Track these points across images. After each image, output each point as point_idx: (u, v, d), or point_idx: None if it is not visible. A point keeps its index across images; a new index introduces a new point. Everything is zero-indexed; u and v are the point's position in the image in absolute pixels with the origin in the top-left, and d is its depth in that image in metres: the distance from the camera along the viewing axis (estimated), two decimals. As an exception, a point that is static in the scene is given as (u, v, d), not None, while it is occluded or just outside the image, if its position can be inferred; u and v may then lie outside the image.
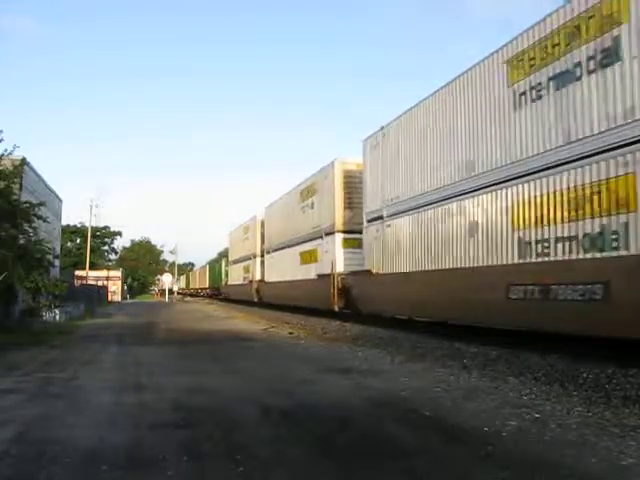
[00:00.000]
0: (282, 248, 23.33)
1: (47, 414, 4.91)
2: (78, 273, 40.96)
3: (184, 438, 4.08)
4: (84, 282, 37.37)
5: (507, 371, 7.09)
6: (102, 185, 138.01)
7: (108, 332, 14.20)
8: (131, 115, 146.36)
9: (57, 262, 19.86)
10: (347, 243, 17.22)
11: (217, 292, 44.73)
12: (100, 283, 44.14)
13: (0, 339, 10.88)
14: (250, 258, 29.78)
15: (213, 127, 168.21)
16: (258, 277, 27.80)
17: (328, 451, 3.81)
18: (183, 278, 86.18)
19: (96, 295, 34.91)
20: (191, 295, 65.93)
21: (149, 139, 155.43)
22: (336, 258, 16.91)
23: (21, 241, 13.05)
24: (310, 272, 19.32)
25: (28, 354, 9.36)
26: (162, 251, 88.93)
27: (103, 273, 50.61)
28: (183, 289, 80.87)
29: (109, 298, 43.73)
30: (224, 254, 66.91)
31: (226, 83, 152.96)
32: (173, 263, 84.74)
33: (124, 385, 6.35)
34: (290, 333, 13.15)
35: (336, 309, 16.30)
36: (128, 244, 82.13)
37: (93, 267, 50.03)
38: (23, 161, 14.83)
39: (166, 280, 55.33)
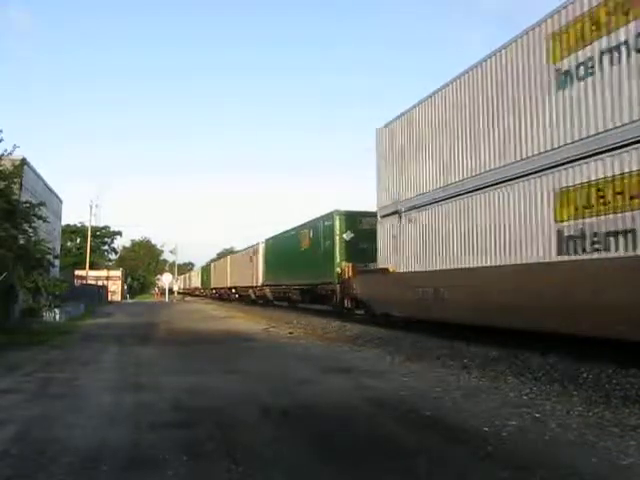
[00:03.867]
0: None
1: (47, 414, 4.92)
2: (78, 273, 40.90)
3: (184, 438, 4.09)
4: (84, 282, 37.41)
5: (507, 371, 7.08)
6: (102, 185, 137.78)
7: (108, 332, 14.20)
8: (131, 115, 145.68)
9: (57, 262, 19.86)
10: None
11: (310, 294, 20.02)
12: (100, 283, 44.20)
13: (0, 339, 10.89)
14: None
15: (213, 127, 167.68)
16: None
17: (328, 451, 3.81)
18: (194, 274, 69.68)
19: (96, 295, 34.97)
20: (212, 297, 46.89)
21: (149, 139, 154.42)
22: None
23: (21, 241, 13.04)
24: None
25: (28, 354, 9.36)
26: (162, 251, 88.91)
27: (103, 273, 50.59)
28: (197, 288, 61.63)
29: (109, 298, 43.71)
30: (224, 255, 65.88)
31: (226, 83, 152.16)
32: (173, 263, 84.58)
33: (124, 385, 6.35)
34: (290, 333, 13.15)
35: None
36: (128, 244, 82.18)
37: (93, 267, 49.98)
38: (23, 161, 14.86)
39: (166, 280, 55.26)
